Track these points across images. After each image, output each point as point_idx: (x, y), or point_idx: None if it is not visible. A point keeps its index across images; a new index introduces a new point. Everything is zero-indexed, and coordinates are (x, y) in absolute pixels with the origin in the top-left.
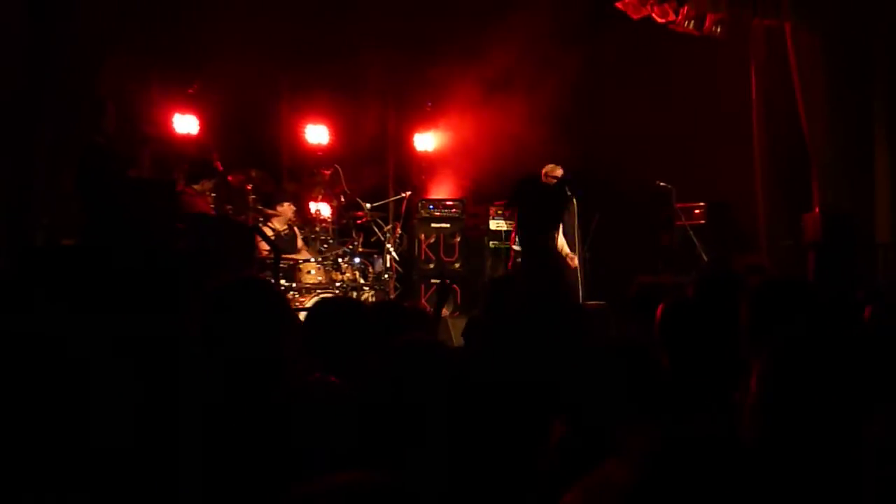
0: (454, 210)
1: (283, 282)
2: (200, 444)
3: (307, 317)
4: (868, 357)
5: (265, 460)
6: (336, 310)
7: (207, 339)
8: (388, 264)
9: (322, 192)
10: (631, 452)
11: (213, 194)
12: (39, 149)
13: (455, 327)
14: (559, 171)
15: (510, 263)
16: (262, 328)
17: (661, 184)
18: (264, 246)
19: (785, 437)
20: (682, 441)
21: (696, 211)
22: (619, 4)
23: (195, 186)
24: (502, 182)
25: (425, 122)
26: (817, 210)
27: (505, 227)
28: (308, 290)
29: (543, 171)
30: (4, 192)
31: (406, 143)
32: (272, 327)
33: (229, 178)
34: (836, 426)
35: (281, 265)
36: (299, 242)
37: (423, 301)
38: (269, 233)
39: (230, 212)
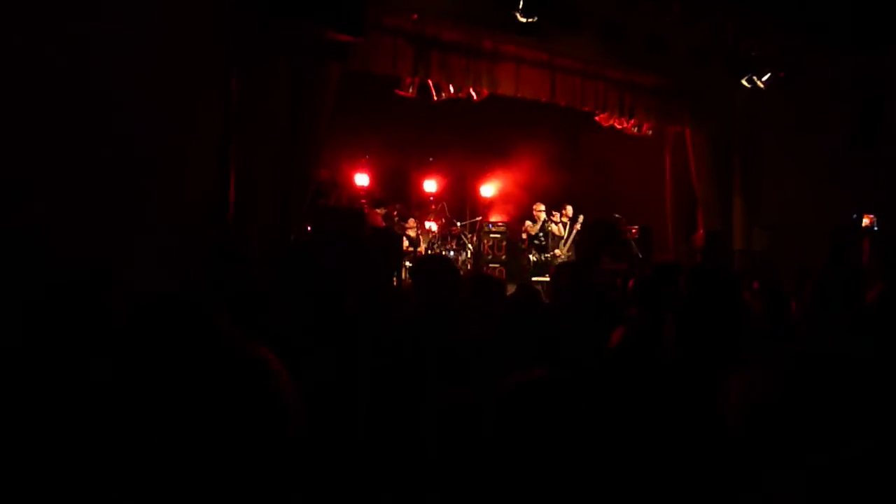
0: (501, 227)
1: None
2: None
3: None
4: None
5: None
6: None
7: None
8: (468, 255)
9: (433, 216)
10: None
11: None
12: (295, 196)
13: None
14: (569, 208)
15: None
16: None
17: (617, 215)
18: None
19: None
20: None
21: (633, 230)
22: (596, 118)
23: (376, 210)
24: (527, 213)
25: (486, 180)
26: (701, 231)
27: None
28: None
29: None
30: (277, 219)
31: (476, 191)
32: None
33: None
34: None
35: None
36: (422, 243)
37: (485, 271)
38: (411, 235)
39: (386, 224)
